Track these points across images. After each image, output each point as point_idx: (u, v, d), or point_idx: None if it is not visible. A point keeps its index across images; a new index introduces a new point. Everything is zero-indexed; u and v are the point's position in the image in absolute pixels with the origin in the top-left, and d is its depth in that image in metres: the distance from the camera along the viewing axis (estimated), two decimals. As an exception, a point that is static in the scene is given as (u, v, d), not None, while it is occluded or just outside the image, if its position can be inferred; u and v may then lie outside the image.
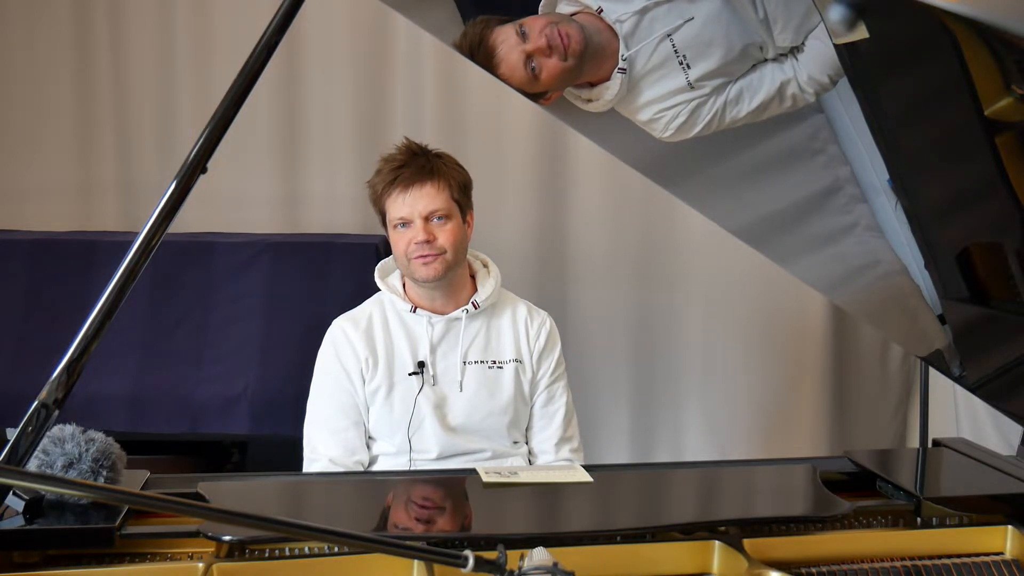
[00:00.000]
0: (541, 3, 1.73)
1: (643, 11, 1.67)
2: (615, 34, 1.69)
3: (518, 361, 2.33)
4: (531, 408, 2.36)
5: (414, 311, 2.29)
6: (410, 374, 2.27)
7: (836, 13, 1.44)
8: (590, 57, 1.70)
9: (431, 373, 2.27)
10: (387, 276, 2.37)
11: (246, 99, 1.48)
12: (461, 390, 2.28)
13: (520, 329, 2.35)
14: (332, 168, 3.59)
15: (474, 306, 2.31)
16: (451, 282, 2.29)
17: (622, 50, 1.69)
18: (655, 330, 3.70)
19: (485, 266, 2.39)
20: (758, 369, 3.71)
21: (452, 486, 1.87)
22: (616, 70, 1.70)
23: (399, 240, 2.26)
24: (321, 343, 2.35)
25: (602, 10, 1.70)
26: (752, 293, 3.65)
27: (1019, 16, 1.17)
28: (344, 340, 2.30)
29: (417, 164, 2.25)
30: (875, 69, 1.52)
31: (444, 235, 2.24)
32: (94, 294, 1.42)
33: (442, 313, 2.30)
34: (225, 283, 3.11)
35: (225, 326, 3.08)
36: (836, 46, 1.52)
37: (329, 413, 2.29)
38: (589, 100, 1.75)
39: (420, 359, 2.28)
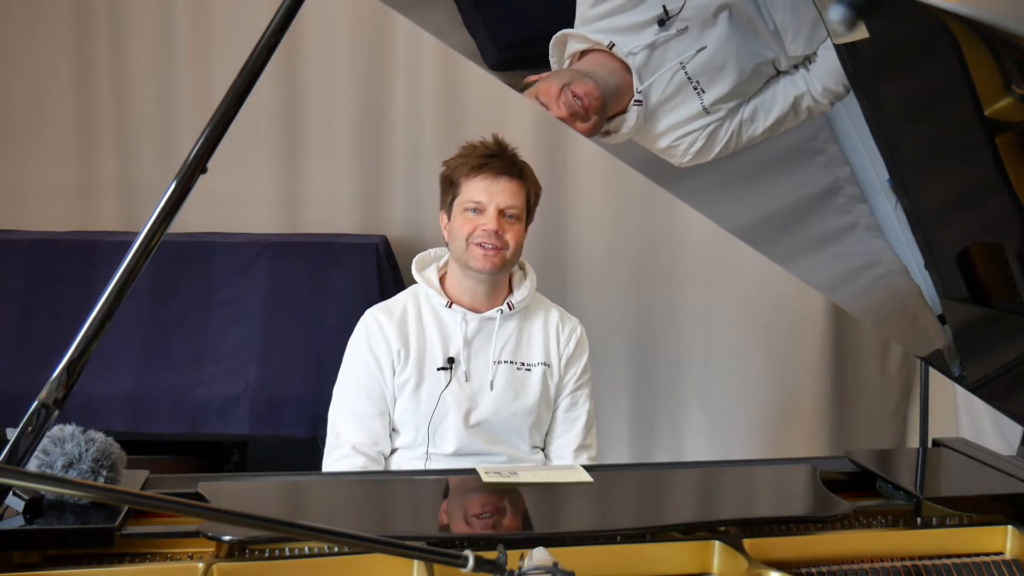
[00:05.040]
0: (552, 42, 1.73)
1: (653, 45, 1.68)
2: (628, 69, 1.71)
3: (546, 365, 2.34)
4: (553, 412, 2.37)
5: (450, 306, 2.30)
6: (439, 369, 2.27)
7: (836, 13, 1.44)
8: (608, 102, 1.73)
9: (463, 369, 2.28)
10: (424, 269, 2.36)
11: (246, 99, 1.48)
12: (491, 388, 2.29)
13: (551, 334, 2.36)
14: (332, 168, 3.58)
15: (509, 307, 2.32)
16: (496, 281, 2.30)
17: (636, 83, 1.70)
18: (655, 330, 3.69)
19: (522, 269, 2.41)
20: (758, 369, 3.71)
21: (452, 486, 1.87)
22: (632, 102, 1.72)
23: (465, 224, 2.25)
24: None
25: (614, 44, 1.70)
26: (752, 293, 3.64)
27: (1019, 16, 1.17)
28: (378, 330, 2.29)
29: (507, 158, 2.28)
30: (875, 69, 1.52)
31: (512, 233, 2.26)
32: (94, 294, 1.42)
33: (477, 311, 2.30)
34: (225, 283, 3.12)
35: (225, 326, 3.08)
36: (836, 46, 1.52)
37: (356, 400, 2.29)
38: (608, 133, 1.78)
39: (451, 355, 2.28)
